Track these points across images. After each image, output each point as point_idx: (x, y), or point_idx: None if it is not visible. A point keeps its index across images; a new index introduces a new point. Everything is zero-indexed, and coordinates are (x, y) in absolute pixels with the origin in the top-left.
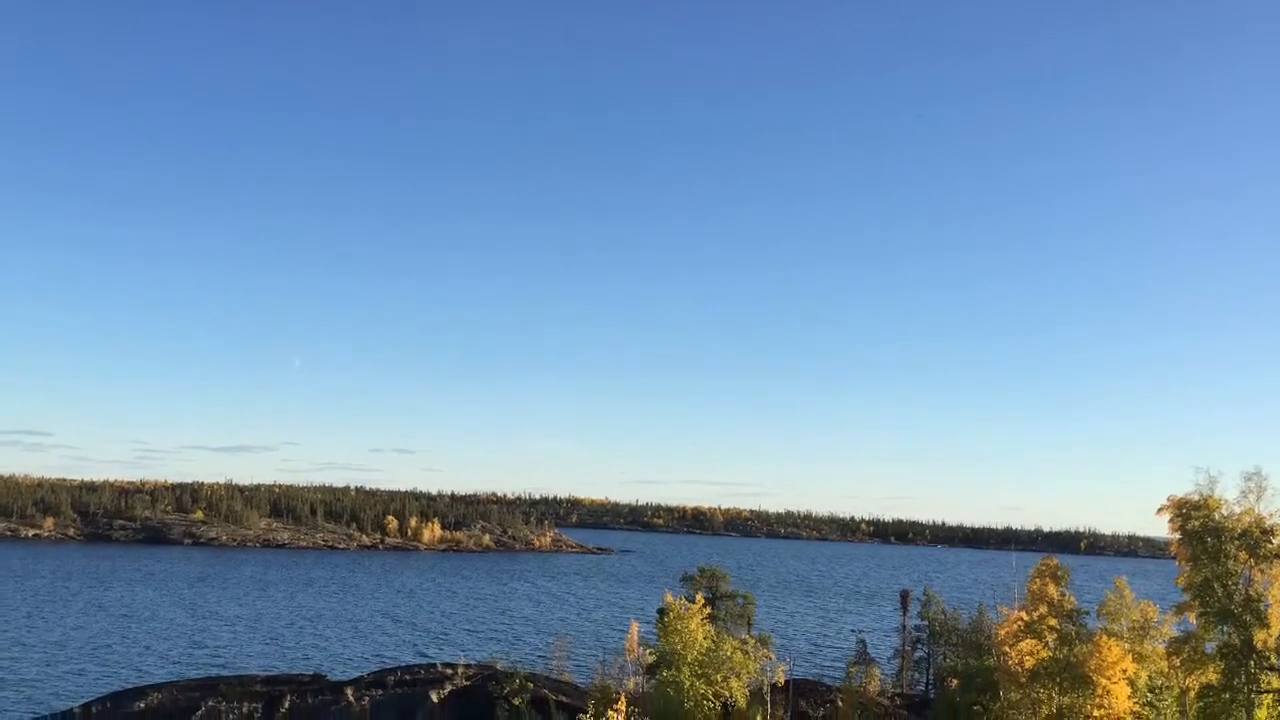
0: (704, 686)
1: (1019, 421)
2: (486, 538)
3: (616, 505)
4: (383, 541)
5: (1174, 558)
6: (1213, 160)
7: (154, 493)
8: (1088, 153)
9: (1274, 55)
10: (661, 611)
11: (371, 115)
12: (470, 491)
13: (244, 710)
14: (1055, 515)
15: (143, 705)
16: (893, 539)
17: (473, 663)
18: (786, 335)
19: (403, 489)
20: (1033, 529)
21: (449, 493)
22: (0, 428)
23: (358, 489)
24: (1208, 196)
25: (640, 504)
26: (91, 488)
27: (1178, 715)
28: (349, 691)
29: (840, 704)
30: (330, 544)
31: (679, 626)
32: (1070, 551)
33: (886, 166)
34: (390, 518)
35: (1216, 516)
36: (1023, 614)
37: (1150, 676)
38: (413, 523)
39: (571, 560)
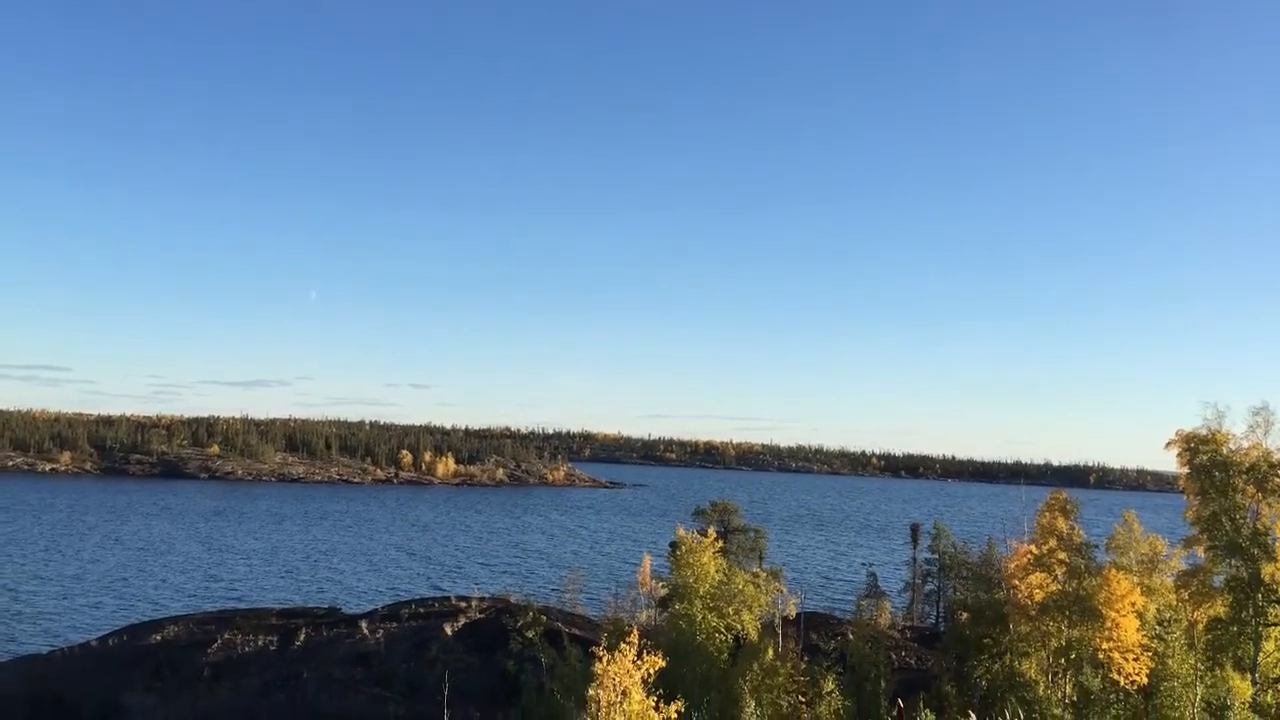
0: (716, 619)
1: (1028, 356)
2: (500, 472)
3: (629, 439)
4: (397, 476)
5: (1182, 492)
6: (1228, 95)
7: (170, 427)
8: (1102, 87)
9: None
10: (674, 545)
11: (388, 50)
12: (484, 426)
13: (259, 643)
14: (1064, 449)
15: (159, 638)
16: (903, 473)
17: (486, 596)
18: (797, 270)
19: (417, 423)
20: (1042, 463)
21: (463, 427)
22: (18, 362)
23: (372, 423)
24: (1222, 131)
25: (652, 438)
26: (108, 422)
27: (1186, 648)
28: (363, 624)
29: (851, 636)
30: (345, 478)
31: (691, 560)
32: (1079, 485)
33: (898, 104)
34: (405, 452)
35: (1224, 451)
36: (1032, 547)
37: (1159, 609)
38: (427, 457)
39: (584, 494)
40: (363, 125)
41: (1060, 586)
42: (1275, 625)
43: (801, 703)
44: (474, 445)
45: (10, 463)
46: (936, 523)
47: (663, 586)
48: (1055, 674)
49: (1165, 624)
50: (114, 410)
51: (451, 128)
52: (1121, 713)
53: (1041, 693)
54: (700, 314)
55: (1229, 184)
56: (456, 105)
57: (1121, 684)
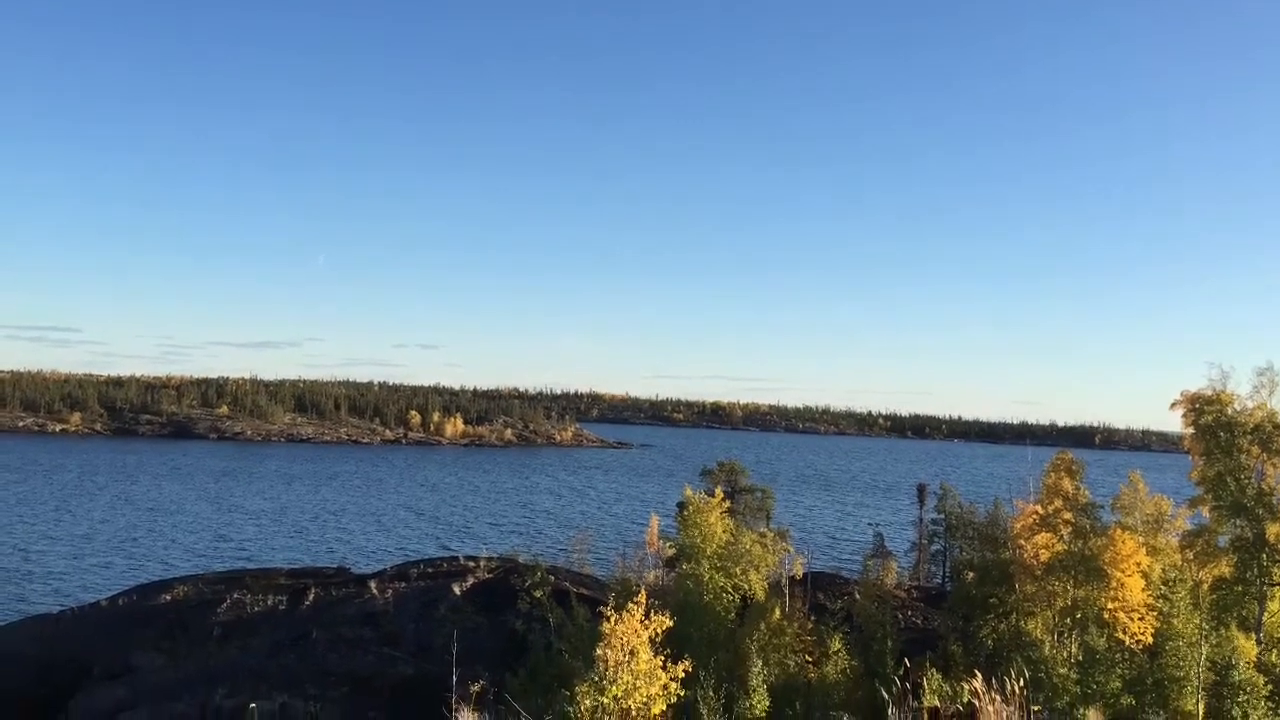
0: (723, 579)
1: (1034, 316)
2: (508, 432)
3: (637, 400)
4: (406, 436)
5: (1187, 452)
6: (1232, 56)
7: (180, 388)
8: (1108, 47)
9: None
10: (681, 505)
11: (399, 13)
12: (492, 386)
13: (269, 603)
14: (1070, 410)
15: (169, 598)
16: (909, 433)
17: (495, 556)
18: (803, 230)
19: (426, 384)
20: (1048, 423)
21: (471, 388)
22: (28, 323)
23: (381, 384)
24: (1228, 91)
25: (660, 399)
26: (118, 383)
27: (1191, 607)
28: (372, 584)
29: (857, 596)
30: (354, 438)
31: (698, 520)
32: (1085, 446)
33: (902, 64)
34: (413, 412)
35: (1229, 411)
36: (1038, 508)
37: (1164, 569)
38: (435, 417)
39: (592, 455)
40: (370, 87)
41: (1066, 546)
42: (1279, 585)
43: (808, 662)
44: (482, 406)
45: (21, 423)
46: (943, 483)
47: (670, 547)
48: (1061, 633)
49: (1170, 584)
50: (124, 371)
51: (457, 90)
52: (1126, 672)
53: (1047, 652)
54: (707, 275)
55: (1235, 144)
56: (462, 67)
57: (1127, 643)
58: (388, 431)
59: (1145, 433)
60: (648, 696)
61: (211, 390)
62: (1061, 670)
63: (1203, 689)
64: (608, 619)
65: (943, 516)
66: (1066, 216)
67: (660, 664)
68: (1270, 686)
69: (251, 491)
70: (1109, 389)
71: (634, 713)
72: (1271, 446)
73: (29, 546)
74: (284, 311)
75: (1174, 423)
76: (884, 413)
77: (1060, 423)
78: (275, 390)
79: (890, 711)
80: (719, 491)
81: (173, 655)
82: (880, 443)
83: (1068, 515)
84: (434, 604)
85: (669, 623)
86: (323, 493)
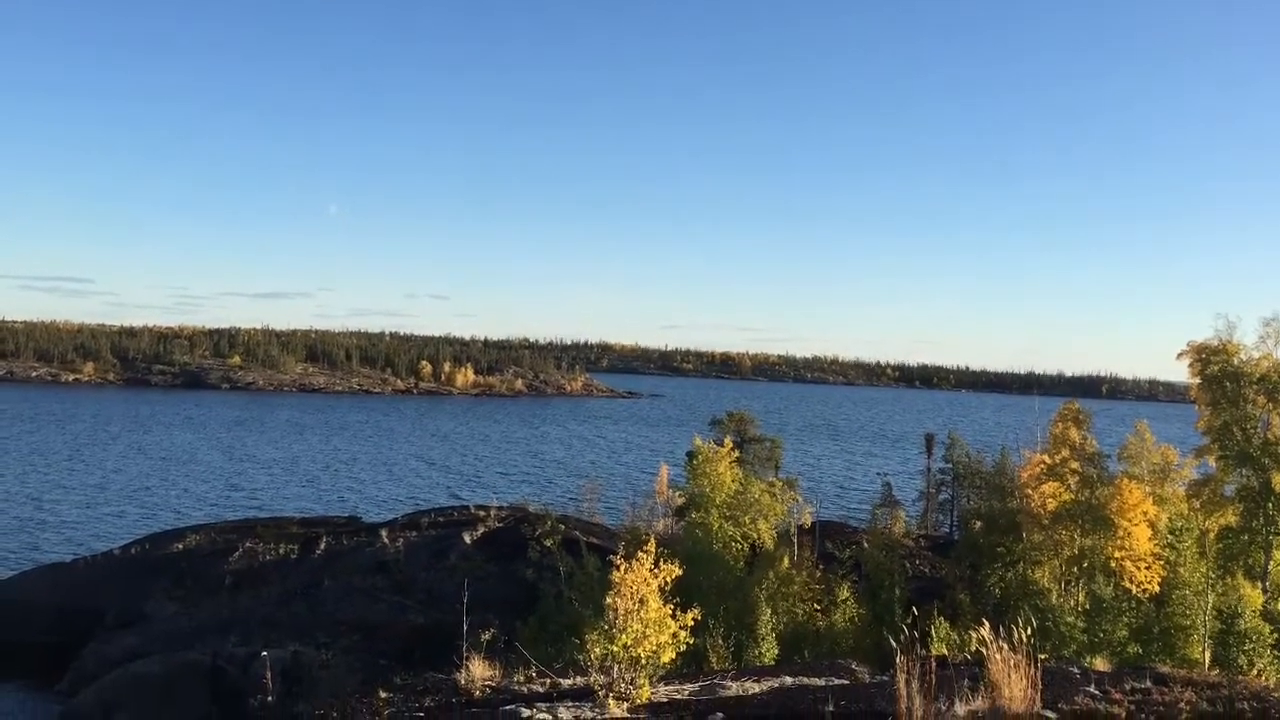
0: (732, 528)
1: (1041, 266)
2: (519, 382)
3: (646, 350)
4: (417, 386)
5: (1194, 402)
6: (1233, 6)
7: (192, 338)
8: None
9: None
10: (690, 455)
11: None
12: (503, 337)
13: (280, 551)
14: (1077, 360)
15: (181, 547)
16: (917, 383)
17: (505, 505)
18: (811, 182)
19: (437, 334)
20: (1055, 373)
21: (482, 338)
22: (41, 274)
23: (392, 334)
24: (1235, 42)
25: (670, 349)
26: (131, 333)
27: (1197, 556)
28: (383, 533)
29: (866, 545)
30: (365, 388)
31: (708, 470)
32: (1092, 396)
33: (907, 16)
34: (424, 363)
35: (1235, 361)
36: (1045, 457)
37: (1170, 518)
38: (446, 367)
39: (602, 404)
40: (382, 37)
41: (1073, 496)
42: None
43: (816, 610)
44: (493, 356)
45: (34, 373)
46: (951, 432)
47: (680, 496)
48: (1068, 582)
49: (1177, 533)
50: (136, 321)
51: (471, 40)
52: (1133, 620)
53: (1054, 600)
54: (718, 226)
55: (1242, 93)
56: (476, 18)
57: (1133, 592)
58: (399, 381)
59: (1152, 383)
60: (657, 645)
61: (223, 340)
62: (1068, 619)
63: (1209, 637)
64: (617, 567)
65: (950, 466)
66: (1074, 164)
67: (670, 612)
68: (1276, 635)
69: (263, 441)
70: (1116, 339)
71: (643, 660)
72: (1277, 396)
73: (42, 496)
74: (295, 262)
75: (1181, 373)
76: (892, 363)
77: (1068, 373)
78: (287, 340)
79: (898, 660)
80: (728, 441)
81: (185, 603)
82: (888, 393)
83: (1075, 465)
84: (445, 553)
85: (678, 571)
86: (334, 442)
